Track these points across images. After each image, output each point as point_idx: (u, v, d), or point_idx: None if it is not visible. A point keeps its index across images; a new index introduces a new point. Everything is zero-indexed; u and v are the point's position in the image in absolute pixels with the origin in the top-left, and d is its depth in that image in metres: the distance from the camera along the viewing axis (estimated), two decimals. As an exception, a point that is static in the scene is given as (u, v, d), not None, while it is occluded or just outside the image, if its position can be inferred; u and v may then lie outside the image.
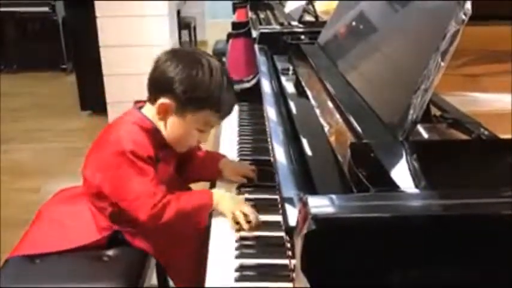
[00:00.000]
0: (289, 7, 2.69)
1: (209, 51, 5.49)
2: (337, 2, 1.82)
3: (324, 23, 1.85)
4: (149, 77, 1.41)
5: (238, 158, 1.63)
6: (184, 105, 1.36)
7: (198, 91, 1.34)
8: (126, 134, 1.39)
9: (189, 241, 1.45)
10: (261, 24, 2.53)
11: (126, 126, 1.42)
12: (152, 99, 1.41)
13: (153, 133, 1.41)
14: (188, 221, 1.36)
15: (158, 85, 1.38)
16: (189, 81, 1.34)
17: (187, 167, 1.59)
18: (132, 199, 1.35)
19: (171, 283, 1.77)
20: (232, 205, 1.30)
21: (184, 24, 6.74)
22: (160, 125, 1.41)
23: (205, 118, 1.39)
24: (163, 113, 1.39)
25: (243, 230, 1.25)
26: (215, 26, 7.57)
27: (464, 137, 0.99)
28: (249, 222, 1.25)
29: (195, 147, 1.60)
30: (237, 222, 1.26)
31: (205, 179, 1.60)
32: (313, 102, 1.32)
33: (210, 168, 1.55)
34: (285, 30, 2.10)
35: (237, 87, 2.16)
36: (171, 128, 1.40)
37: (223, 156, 1.58)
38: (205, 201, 1.35)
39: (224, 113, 1.43)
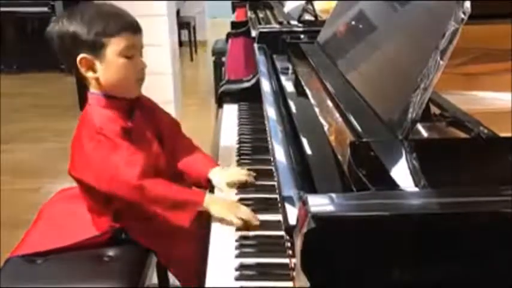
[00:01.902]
0: (288, 6, 2.69)
1: (209, 50, 5.50)
2: (336, 1, 1.82)
3: (324, 22, 1.85)
4: (56, 52, 1.42)
5: (237, 158, 1.62)
6: (95, 46, 1.37)
7: (95, 25, 1.36)
8: (93, 114, 1.41)
9: (192, 237, 1.44)
10: (260, 23, 2.54)
11: (90, 109, 1.44)
12: (72, 70, 1.42)
13: (111, 104, 1.42)
14: (173, 212, 1.33)
15: (65, 50, 1.39)
16: (82, 24, 1.36)
17: (177, 158, 1.55)
18: (111, 176, 1.35)
19: (171, 281, 1.77)
20: (226, 210, 1.27)
21: (183, 24, 6.74)
22: (95, 82, 1.41)
23: (120, 42, 1.39)
24: (89, 68, 1.39)
25: (247, 229, 1.24)
26: (215, 26, 7.59)
27: (463, 135, 0.99)
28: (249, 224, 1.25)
29: (192, 145, 1.59)
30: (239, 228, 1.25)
31: (192, 180, 1.54)
32: (312, 101, 1.33)
33: (198, 172, 1.50)
34: (285, 30, 2.09)
35: (236, 86, 2.17)
36: (103, 74, 1.40)
37: (217, 165, 1.52)
38: (196, 199, 1.33)
39: (133, 26, 1.42)
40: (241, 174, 1.43)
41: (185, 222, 1.32)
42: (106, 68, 1.39)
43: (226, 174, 1.45)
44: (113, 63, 1.39)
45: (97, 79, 1.41)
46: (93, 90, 1.44)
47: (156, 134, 1.53)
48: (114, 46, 1.38)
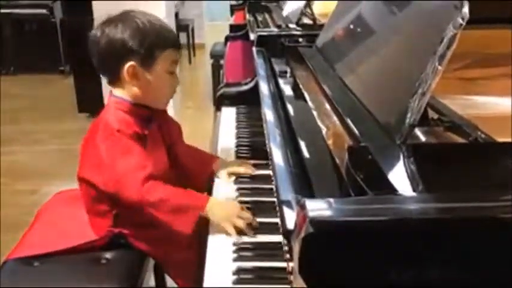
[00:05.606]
0: (287, 9, 2.69)
1: (207, 53, 5.50)
2: (335, 4, 1.83)
3: (322, 25, 1.85)
4: (97, 56, 1.42)
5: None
6: (147, 56, 1.37)
7: (149, 37, 1.37)
8: (111, 117, 1.41)
9: (191, 242, 1.43)
10: (258, 26, 2.54)
11: (109, 112, 1.43)
12: (112, 75, 1.42)
13: (133, 111, 1.42)
14: (175, 217, 1.32)
15: (113, 56, 1.38)
16: (137, 33, 1.36)
17: (180, 160, 1.58)
18: (119, 177, 1.35)
19: (168, 284, 1.77)
20: (224, 218, 1.27)
21: (182, 27, 6.74)
22: (135, 90, 1.41)
23: (169, 57, 1.41)
24: (134, 76, 1.39)
25: (245, 234, 1.24)
26: (213, 29, 7.59)
27: (461, 140, 0.99)
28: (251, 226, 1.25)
29: (192, 146, 1.63)
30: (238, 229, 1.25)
31: (195, 176, 1.57)
32: (311, 105, 1.33)
33: (203, 166, 1.55)
34: (283, 33, 2.10)
35: (235, 89, 2.18)
36: (146, 85, 1.41)
37: (217, 159, 1.59)
38: (198, 203, 1.32)
39: (178, 42, 1.47)
40: (240, 166, 1.53)
41: (187, 229, 1.31)
42: (151, 78, 1.40)
43: (229, 166, 1.54)
44: (161, 77, 1.41)
45: (137, 88, 1.41)
46: (120, 94, 1.43)
47: (168, 143, 1.55)
48: (164, 60, 1.40)
